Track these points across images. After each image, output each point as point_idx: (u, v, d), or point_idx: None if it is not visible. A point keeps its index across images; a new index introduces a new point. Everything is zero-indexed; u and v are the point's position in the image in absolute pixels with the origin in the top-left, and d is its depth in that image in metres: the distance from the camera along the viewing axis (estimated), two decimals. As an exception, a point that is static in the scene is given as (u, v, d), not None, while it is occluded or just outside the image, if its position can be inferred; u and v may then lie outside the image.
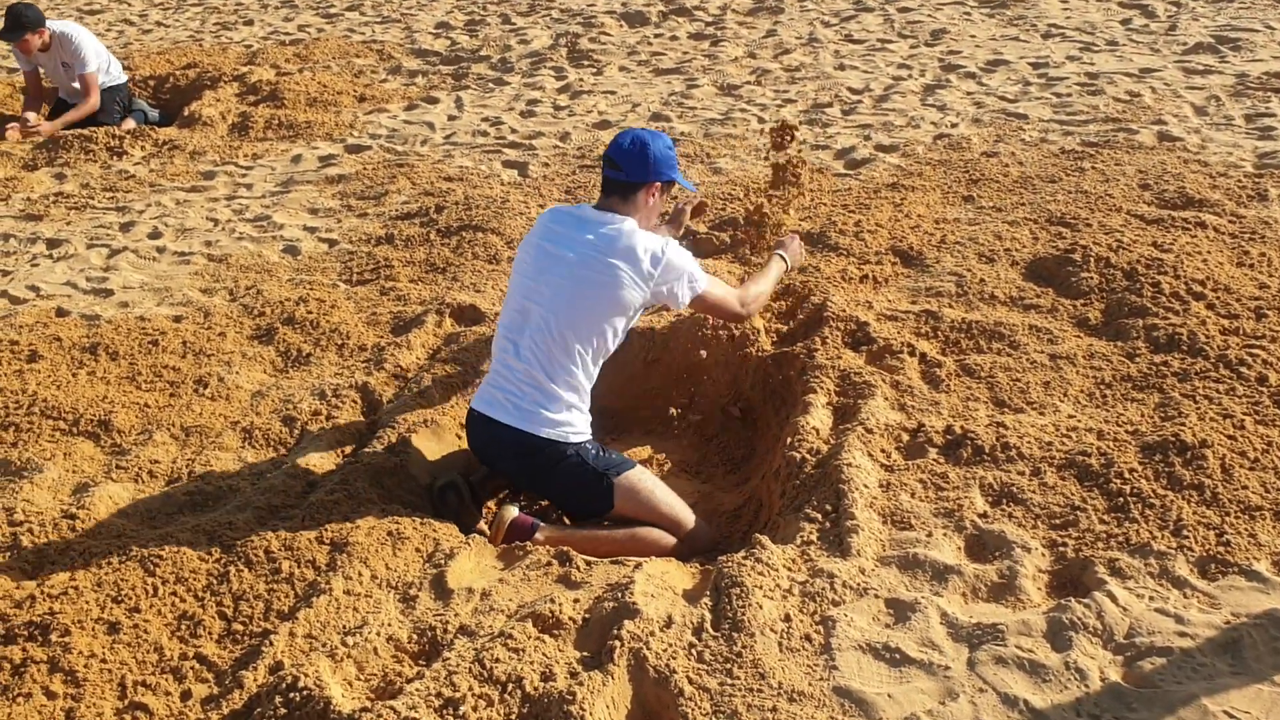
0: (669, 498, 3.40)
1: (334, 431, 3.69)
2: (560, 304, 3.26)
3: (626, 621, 2.60)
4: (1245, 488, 3.00)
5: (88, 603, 2.87)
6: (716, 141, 6.12)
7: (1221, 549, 2.79)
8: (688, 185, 3.62)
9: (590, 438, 3.37)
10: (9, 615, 2.85)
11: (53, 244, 5.41)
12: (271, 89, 7.40)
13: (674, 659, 2.49)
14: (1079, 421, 3.38)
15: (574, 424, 3.30)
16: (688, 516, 3.40)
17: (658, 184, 3.36)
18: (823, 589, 2.78)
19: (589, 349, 3.29)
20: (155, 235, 5.43)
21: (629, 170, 3.30)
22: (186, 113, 7.17)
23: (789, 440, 3.46)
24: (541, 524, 3.28)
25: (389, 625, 2.79)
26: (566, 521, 3.45)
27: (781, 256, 3.91)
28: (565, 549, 3.08)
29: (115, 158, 6.50)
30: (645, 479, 3.37)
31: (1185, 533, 2.85)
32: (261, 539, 3.07)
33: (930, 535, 3.00)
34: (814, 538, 3.01)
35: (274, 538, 3.07)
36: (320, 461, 3.56)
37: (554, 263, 3.30)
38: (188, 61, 8.37)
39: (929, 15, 8.25)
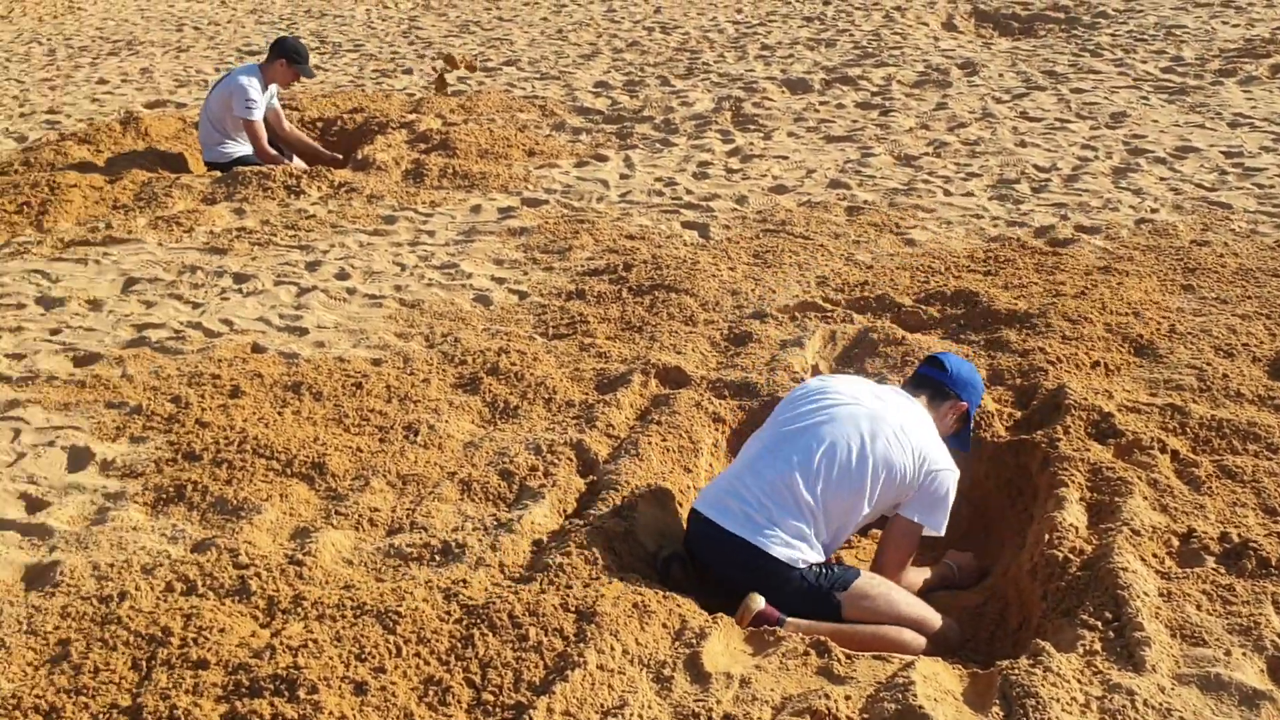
0: (906, 598, 3.21)
1: (554, 489, 3.55)
2: (830, 454, 3.16)
3: (922, 728, 2.39)
4: None
5: (331, 659, 2.74)
6: (904, 212, 5.95)
7: None
8: (965, 445, 3.52)
9: (821, 560, 3.20)
10: (251, 665, 2.74)
11: (240, 278, 5.42)
12: (442, 138, 7.44)
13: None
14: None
15: (805, 552, 3.16)
16: (932, 615, 3.19)
17: (964, 406, 3.42)
18: (1123, 706, 2.55)
19: (836, 505, 3.17)
20: (343, 276, 5.41)
21: (954, 380, 3.40)
22: (360, 156, 7.22)
23: (1047, 537, 3.23)
24: (785, 617, 3.09)
25: (649, 708, 2.61)
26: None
27: (950, 566, 3.54)
28: (820, 639, 2.89)
29: (293, 196, 6.55)
30: (873, 586, 3.19)
31: None
32: (503, 602, 2.93)
33: (1228, 654, 2.74)
34: (1097, 647, 2.78)
35: (516, 601, 2.93)
36: (545, 520, 3.42)
37: (838, 414, 3.23)
38: (354, 106, 8.49)
39: (1105, 98, 8.03)
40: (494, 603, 2.93)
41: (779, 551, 3.09)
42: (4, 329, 4.92)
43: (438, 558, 3.25)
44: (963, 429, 3.46)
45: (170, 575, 3.16)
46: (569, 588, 3.01)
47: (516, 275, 5.37)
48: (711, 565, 3.22)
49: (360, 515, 3.45)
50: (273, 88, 7.16)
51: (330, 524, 3.41)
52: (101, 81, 10.03)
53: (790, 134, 7.49)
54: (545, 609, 2.89)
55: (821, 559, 3.18)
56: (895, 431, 3.20)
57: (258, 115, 6.94)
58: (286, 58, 6.97)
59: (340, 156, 7.40)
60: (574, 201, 6.37)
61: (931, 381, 3.41)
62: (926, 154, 6.95)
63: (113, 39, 12.29)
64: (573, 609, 2.90)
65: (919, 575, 3.43)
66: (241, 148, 7.10)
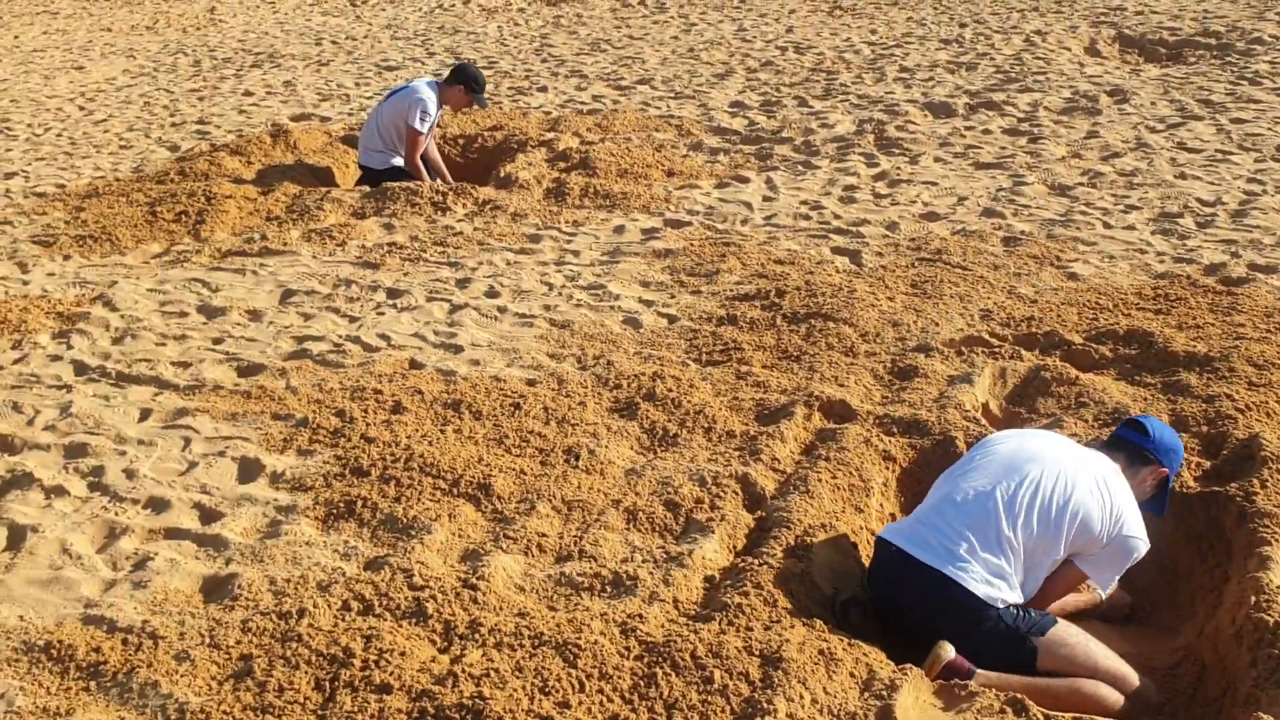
0: (1104, 651, 3.06)
1: (723, 524, 3.47)
2: (1034, 493, 3.05)
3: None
4: None
5: (515, 691, 2.71)
6: (1063, 244, 5.74)
7: None
8: (1160, 510, 3.34)
9: (1019, 601, 3.06)
10: (435, 693, 2.72)
11: (393, 293, 5.48)
12: (581, 157, 7.45)
13: None
14: None
15: (1004, 591, 3.02)
16: (1130, 672, 3.03)
17: (1165, 472, 3.27)
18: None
19: (1036, 545, 3.06)
20: (493, 294, 5.43)
21: (1156, 446, 3.26)
22: (502, 174, 7.28)
23: (1253, 599, 3.04)
24: (976, 669, 2.95)
25: (844, 763, 2.51)
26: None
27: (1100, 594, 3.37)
28: (1016, 696, 2.76)
29: (440, 213, 6.62)
30: (1071, 635, 3.05)
31: None
32: (684, 641, 2.86)
33: None
34: (1323, 724, 2.59)
35: (697, 641, 2.86)
36: (716, 556, 3.34)
37: (1042, 455, 3.14)
38: (493, 123, 8.57)
39: (1268, 129, 7.68)
40: (674, 641, 2.86)
41: (978, 588, 2.96)
42: (169, 336, 5.05)
43: (609, 589, 3.20)
44: (1159, 494, 3.30)
45: (346, 594, 3.17)
46: (749, 629, 2.93)
47: (664, 298, 5.32)
48: (898, 601, 3.11)
49: (529, 540, 3.42)
50: (444, 109, 7.31)
51: (500, 548, 3.38)
52: (247, 93, 10.32)
53: (937, 159, 7.31)
54: (729, 651, 2.81)
55: (1019, 600, 3.05)
56: (1097, 483, 3.06)
57: (426, 129, 7.08)
58: (466, 85, 7.12)
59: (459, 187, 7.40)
60: (717, 223, 6.30)
61: (1131, 444, 3.28)
62: (1081, 184, 6.72)
63: (254, 51, 12.67)
64: (757, 653, 2.82)
65: (1072, 600, 3.33)
66: (399, 159, 7.22)
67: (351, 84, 10.59)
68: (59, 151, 8.48)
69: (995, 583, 3.00)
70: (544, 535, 3.45)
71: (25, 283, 5.73)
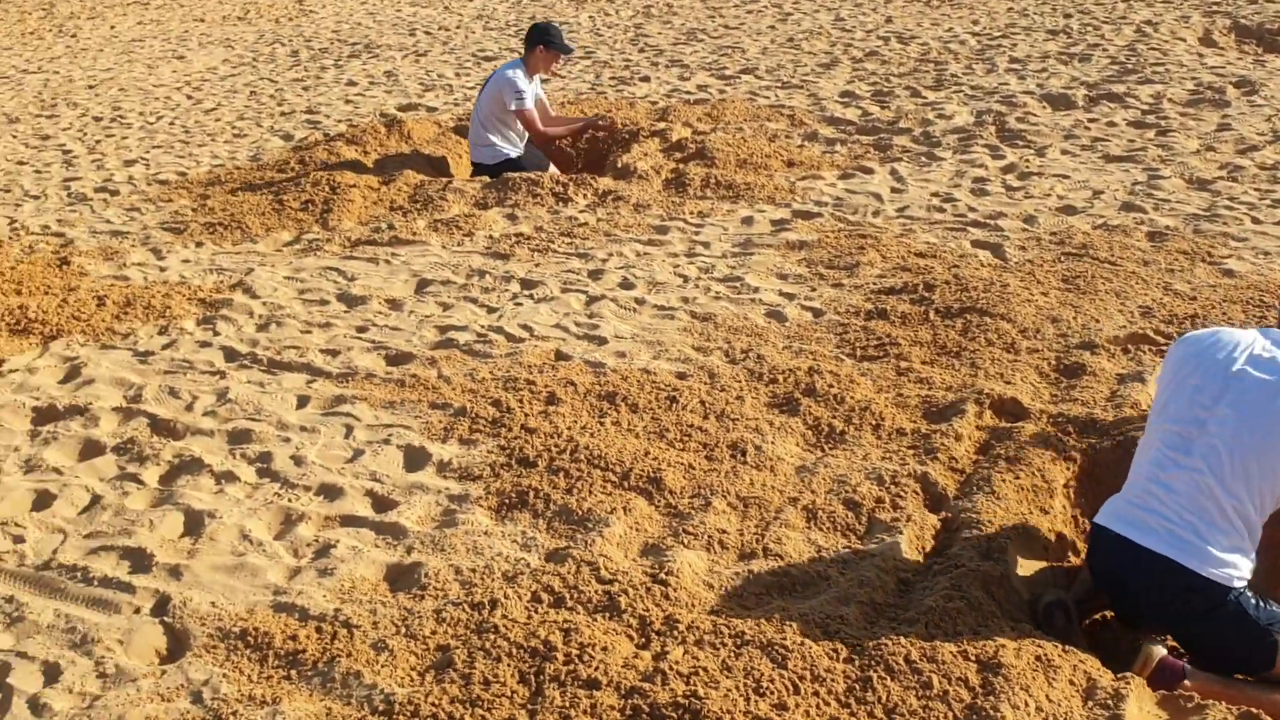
0: None
1: (909, 525, 3.38)
2: (1245, 430, 2.83)
3: None
4: None
5: (730, 691, 2.65)
6: (1212, 240, 5.56)
7: None
8: None
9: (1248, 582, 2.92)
10: (645, 690, 2.67)
11: (527, 284, 5.45)
12: (698, 147, 7.38)
13: None
14: None
15: (1239, 566, 2.86)
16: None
17: None
18: None
19: (1270, 487, 2.85)
20: (628, 285, 5.38)
21: None
22: (619, 164, 7.22)
23: None
24: (1189, 667, 2.84)
25: (1083, 775, 2.42)
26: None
27: None
28: (1252, 710, 2.64)
29: (561, 203, 6.59)
30: None
31: None
32: (894, 643, 2.78)
33: None
34: None
35: (909, 645, 2.77)
36: (907, 556, 3.26)
37: (1244, 383, 2.89)
38: (600, 113, 8.53)
39: None
40: (885, 644, 2.78)
41: (1210, 572, 2.80)
42: (313, 324, 5.06)
43: (799, 588, 3.13)
44: None
45: (534, 585, 3.13)
46: (958, 634, 2.84)
47: (805, 291, 5.23)
48: (1127, 589, 2.97)
49: (710, 536, 3.36)
50: (537, 78, 7.27)
51: (680, 543, 3.33)
52: (350, 83, 10.39)
53: (1064, 152, 7.13)
54: (944, 656, 2.73)
55: (1250, 574, 2.88)
56: None
57: (529, 103, 7.05)
58: (543, 43, 7.06)
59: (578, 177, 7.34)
60: (848, 215, 6.19)
61: None
62: (1221, 178, 6.50)
63: (349, 41, 12.76)
64: (973, 658, 2.73)
65: None
66: (509, 150, 7.21)
67: (452, 74, 10.61)
68: (174, 140, 8.59)
69: (1228, 557, 2.80)
70: (724, 532, 3.39)
71: (162, 269, 5.79)
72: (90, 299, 5.26)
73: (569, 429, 3.99)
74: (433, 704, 2.70)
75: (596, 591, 3.09)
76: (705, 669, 2.74)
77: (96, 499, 3.70)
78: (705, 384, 4.33)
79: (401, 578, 3.26)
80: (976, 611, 2.94)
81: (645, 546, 3.36)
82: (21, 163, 8.10)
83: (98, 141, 8.62)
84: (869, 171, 6.95)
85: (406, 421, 4.13)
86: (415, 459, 3.89)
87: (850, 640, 2.84)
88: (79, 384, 4.49)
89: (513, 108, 7.01)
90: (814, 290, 5.24)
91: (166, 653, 3.00)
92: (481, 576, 3.19)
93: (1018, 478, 3.58)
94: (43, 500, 3.71)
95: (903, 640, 2.79)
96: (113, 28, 15.07)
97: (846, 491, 3.55)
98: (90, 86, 10.85)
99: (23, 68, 12.42)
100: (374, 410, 4.22)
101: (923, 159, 7.14)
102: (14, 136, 8.99)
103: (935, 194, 6.46)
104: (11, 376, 4.58)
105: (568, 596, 3.07)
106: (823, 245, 5.75)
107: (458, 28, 13.32)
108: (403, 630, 2.99)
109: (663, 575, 3.14)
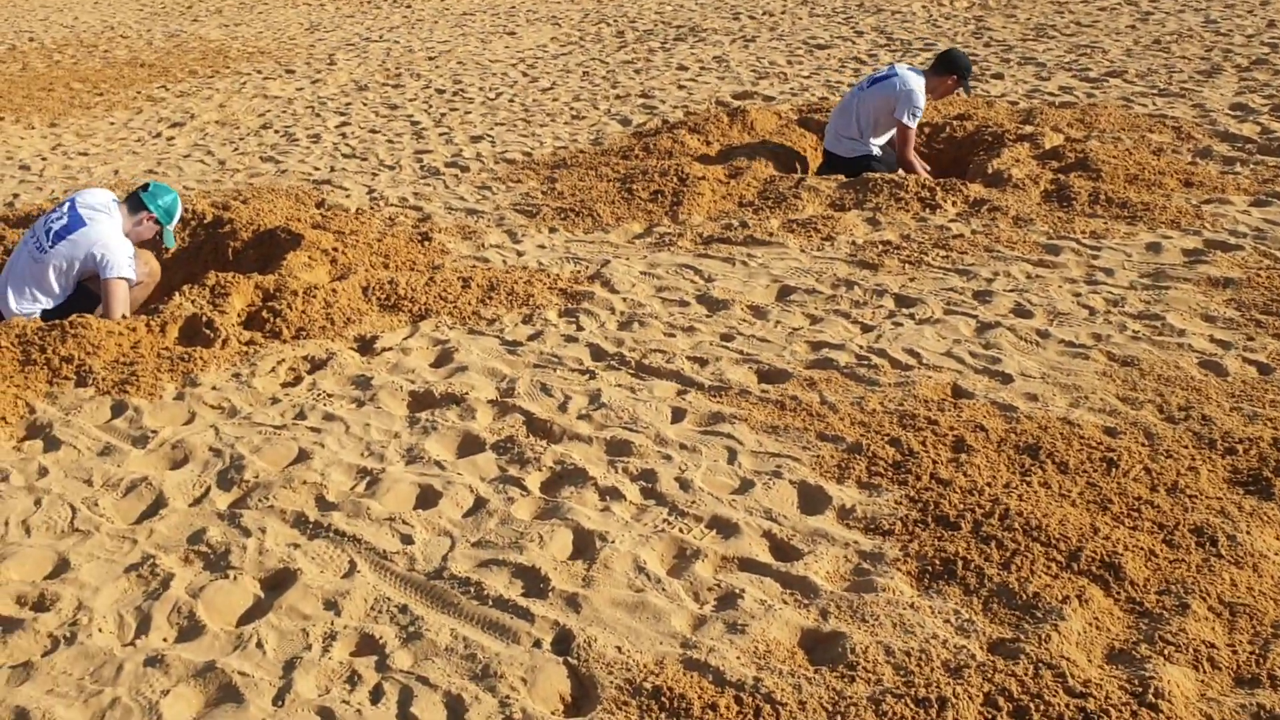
0: None
1: None
2: None
3: None
4: None
5: None
6: None
7: None
8: None
9: None
10: None
11: (903, 301, 4.95)
12: (1078, 157, 6.62)
13: None
14: None
15: None
16: None
17: None
18: None
19: None
20: (1023, 313, 4.77)
21: None
22: (989, 170, 6.58)
23: None
24: None
25: None
26: None
27: None
28: None
29: (928, 210, 6.03)
30: None
31: None
32: None
33: None
34: None
35: None
36: None
37: None
38: (959, 112, 7.87)
39: None
40: None
41: None
42: (676, 327, 4.76)
43: (1327, 736, 2.51)
44: None
45: (986, 685, 2.65)
46: None
47: (1241, 339, 4.46)
48: None
49: (1196, 650, 2.76)
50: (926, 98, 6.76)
51: (1159, 654, 2.75)
52: (681, 68, 10.17)
53: None
54: None
55: None
56: None
57: (916, 125, 6.61)
58: (959, 75, 6.58)
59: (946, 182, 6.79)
60: (1275, 250, 5.32)
61: None
62: None
63: (674, 24, 12.59)
64: None
65: None
66: (872, 147, 6.72)
67: (784, 62, 10.19)
68: (515, 118, 8.60)
69: None
70: (1212, 646, 2.79)
71: (520, 253, 5.67)
72: (455, 279, 5.18)
73: (988, 485, 3.47)
74: (889, 825, 2.27)
75: (1067, 706, 2.57)
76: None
77: (481, 502, 3.50)
78: (1144, 445, 3.69)
79: (820, 647, 2.85)
80: None
81: (1111, 651, 2.80)
82: (374, 131, 8.32)
83: (443, 115, 8.75)
84: (1291, 199, 5.99)
85: (794, 452, 3.73)
86: (812, 499, 3.49)
87: None
88: (452, 370, 4.37)
89: (905, 122, 6.55)
90: (1252, 340, 4.46)
91: (571, 700, 2.72)
92: (919, 663, 2.74)
93: None
94: (427, 497, 3.55)
95: None
96: (443, 0, 15.60)
97: (1364, 612, 2.86)
98: (430, 58, 11.15)
99: (365, 35, 12.99)
100: (755, 434, 3.85)
101: (1357, 188, 6.10)
102: (364, 104, 9.29)
103: (1386, 233, 5.47)
104: (386, 355, 4.52)
105: (1032, 709, 2.57)
106: (1253, 285, 4.93)
107: (783, 13, 12.90)
108: (836, 717, 2.58)
109: (1149, 697, 2.58)
